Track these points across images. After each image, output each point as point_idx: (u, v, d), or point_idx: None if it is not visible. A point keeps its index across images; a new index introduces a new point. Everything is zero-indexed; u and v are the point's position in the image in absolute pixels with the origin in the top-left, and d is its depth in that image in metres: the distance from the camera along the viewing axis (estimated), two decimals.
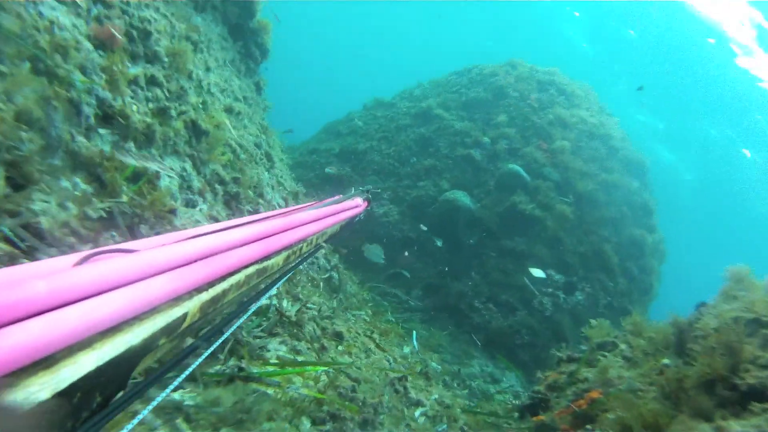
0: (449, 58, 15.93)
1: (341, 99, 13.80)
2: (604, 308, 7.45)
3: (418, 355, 4.55)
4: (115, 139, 1.97)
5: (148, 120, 2.19)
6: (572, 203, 8.35)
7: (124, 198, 1.80)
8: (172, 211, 2.08)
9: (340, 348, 3.02)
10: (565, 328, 6.86)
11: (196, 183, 2.62)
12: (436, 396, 3.24)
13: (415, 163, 9.75)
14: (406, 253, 8.13)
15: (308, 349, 2.56)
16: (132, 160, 1.97)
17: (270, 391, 1.87)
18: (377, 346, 3.64)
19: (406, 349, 4.48)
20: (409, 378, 3.09)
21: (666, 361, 2.17)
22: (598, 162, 9.43)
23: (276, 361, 2.15)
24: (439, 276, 7.77)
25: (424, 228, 7.29)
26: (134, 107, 2.16)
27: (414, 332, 5.16)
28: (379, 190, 8.84)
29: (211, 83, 3.58)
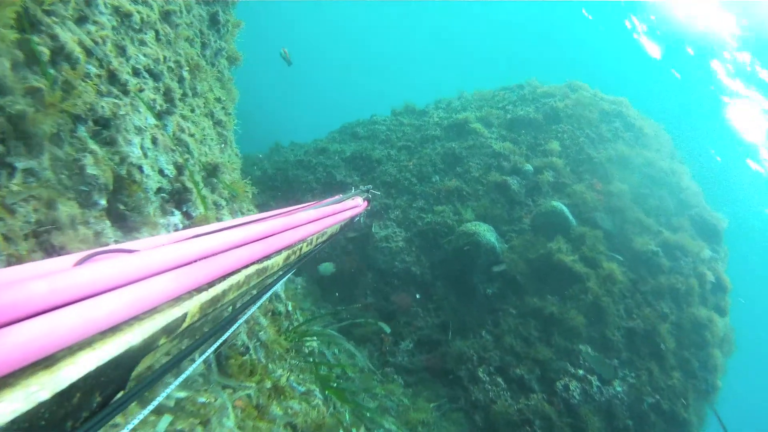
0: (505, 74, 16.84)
1: (378, 105, 14.93)
2: (650, 409, 7.34)
3: None
4: None
5: None
6: (625, 263, 8.45)
7: None
8: None
9: None
10: (593, 429, 6.75)
11: None
12: None
13: (437, 183, 10.08)
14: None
15: None
16: None
17: None
18: None
19: None
20: None
21: None
22: (664, 216, 9.59)
23: None
24: (440, 328, 7.82)
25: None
26: None
27: None
28: (379, 192, 9.20)
29: None
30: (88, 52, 2.46)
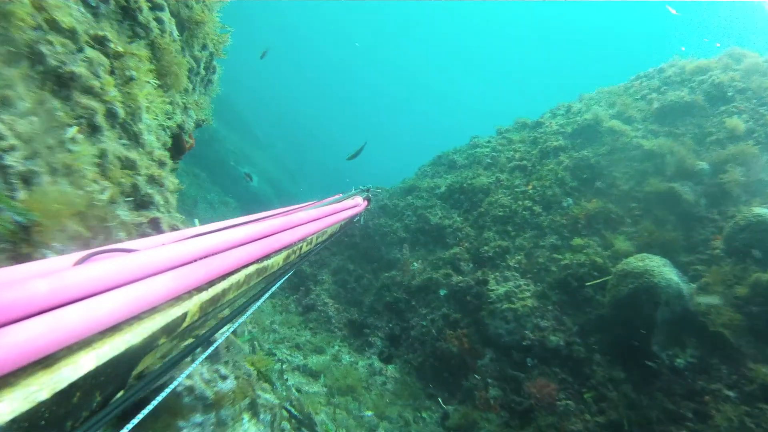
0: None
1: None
2: None
3: None
4: None
5: None
6: None
7: None
8: None
9: None
10: None
11: None
12: None
13: (570, 208, 9.91)
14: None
15: None
16: None
17: None
18: None
19: None
20: None
21: None
22: None
23: None
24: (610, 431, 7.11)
25: None
26: None
27: None
28: (379, 189, 9.06)
29: None
30: None
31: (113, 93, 3.53)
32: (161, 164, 4.15)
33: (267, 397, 4.92)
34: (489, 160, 13.20)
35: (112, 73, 3.59)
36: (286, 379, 7.44)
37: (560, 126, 12.64)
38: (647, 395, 7.19)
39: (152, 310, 0.91)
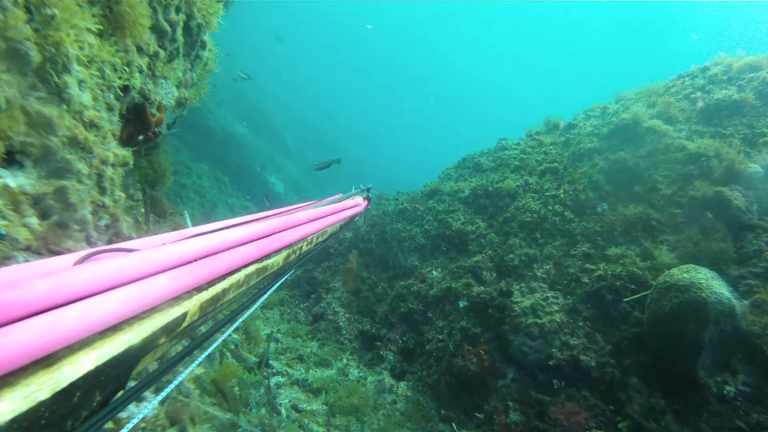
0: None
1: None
2: None
3: None
4: None
5: None
6: None
7: None
8: None
9: None
10: None
11: None
12: None
13: (606, 213, 9.89)
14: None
15: None
16: None
17: None
18: None
19: None
20: None
21: None
22: None
23: None
24: None
25: None
26: None
27: None
28: (378, 192, 9.26)
29: None
30: None
31: (21, 29, 3.00)
32: (92, 126, 3.69)
33: (219, 419, 4.57)
34: (517, 163, 13.38)
35: (26, 9, 3.07)
36: (275, 397, 7.40)
37: (595, 127, 12.79)
38: (691, 428, 6.98)
39: (152, 310, 1.00)
